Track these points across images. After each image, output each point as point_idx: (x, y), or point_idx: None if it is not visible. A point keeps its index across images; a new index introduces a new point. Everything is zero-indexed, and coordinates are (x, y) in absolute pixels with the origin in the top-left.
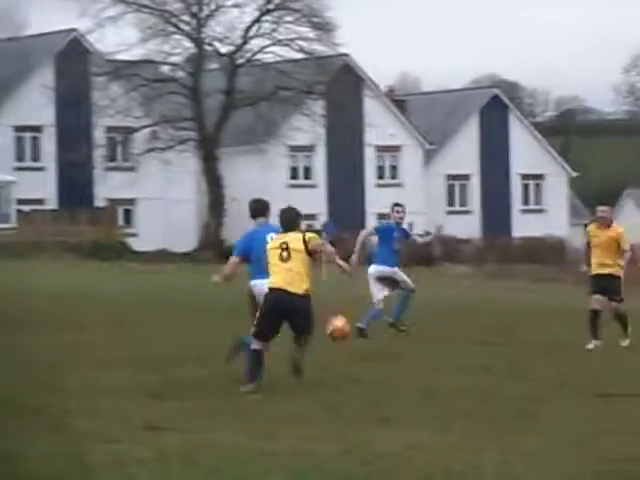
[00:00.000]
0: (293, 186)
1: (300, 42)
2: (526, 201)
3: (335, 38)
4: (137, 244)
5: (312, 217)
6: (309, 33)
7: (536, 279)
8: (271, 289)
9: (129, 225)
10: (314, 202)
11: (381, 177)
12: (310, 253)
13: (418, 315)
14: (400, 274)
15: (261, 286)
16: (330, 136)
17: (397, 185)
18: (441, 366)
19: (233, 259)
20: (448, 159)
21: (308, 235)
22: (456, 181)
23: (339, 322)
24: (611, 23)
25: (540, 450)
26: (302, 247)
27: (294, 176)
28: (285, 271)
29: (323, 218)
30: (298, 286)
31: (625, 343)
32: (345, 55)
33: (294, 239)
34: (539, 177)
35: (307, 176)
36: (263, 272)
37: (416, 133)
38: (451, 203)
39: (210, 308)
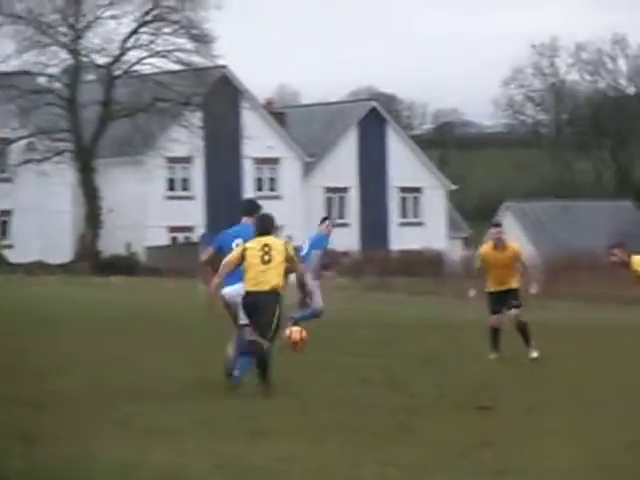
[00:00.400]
0: (171, 198)
1: (178, 54)
2: (404, 214)
3: (213, 50)
4: (13, 255)
5: (189, 229)
6: (187, 45)
7: (414, 292)
8: (245, 292)
9: (5, 236)
10: (192, 214)
11: (260, 189)
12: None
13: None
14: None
15: (230, 292)
16: (208, 148)
17: (276, 197)
18: (317, 379)
19: (210, 249)
20: (327, 172)
21: (289, 247)
22: (335, 194)
23: (291, 333)
24: (490, 36)
25: (418, 463)
26: (283, 253)
27: (171, 187)
28: (261, 272)
29: (201, 230)
30: (267, 283)
31: (534, 354)
32: (223, 67)
33: (276, 244)
34: (417, 190)
35: (185, 187)
36: (230, 277)
37: (295, 146)
38: (329, 216)
39: (89, 319)
